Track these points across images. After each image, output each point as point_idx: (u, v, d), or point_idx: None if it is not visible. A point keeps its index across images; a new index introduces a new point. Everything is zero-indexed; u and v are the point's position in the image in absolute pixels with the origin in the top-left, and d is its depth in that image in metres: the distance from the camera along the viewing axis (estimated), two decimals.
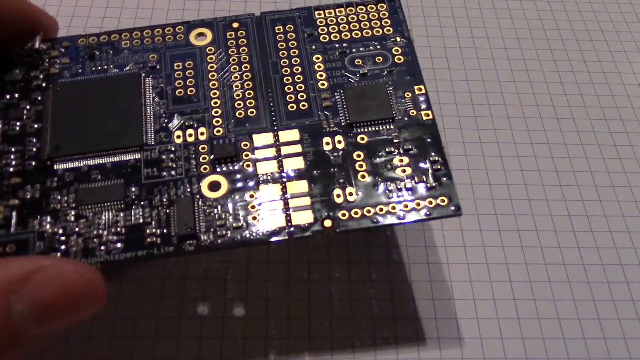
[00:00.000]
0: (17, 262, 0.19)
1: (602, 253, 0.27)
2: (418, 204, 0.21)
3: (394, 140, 0.22)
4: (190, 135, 0.23)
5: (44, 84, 0.24)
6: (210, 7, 0.33)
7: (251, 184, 0.22)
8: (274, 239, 0.21)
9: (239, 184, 0.22)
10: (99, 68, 0.24)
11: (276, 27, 0.25)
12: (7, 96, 0.23)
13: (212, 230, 0.21)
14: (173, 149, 0.22)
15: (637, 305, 0.26)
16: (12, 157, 0.22)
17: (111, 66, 0.24)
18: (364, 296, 0.25)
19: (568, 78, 0.33)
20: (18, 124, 0.23)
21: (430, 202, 0.21)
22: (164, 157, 0.22)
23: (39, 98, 0.23)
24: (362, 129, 0.23)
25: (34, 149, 0.22)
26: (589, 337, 0.25)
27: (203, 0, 0.33)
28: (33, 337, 0.18)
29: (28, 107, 0.23)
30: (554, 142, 0.30)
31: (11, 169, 0.22)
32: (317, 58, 0.24)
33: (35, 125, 0.23)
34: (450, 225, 0.27)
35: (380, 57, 0.24)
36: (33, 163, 0.22)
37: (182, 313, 0.24)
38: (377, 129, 0.23)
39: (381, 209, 0.21)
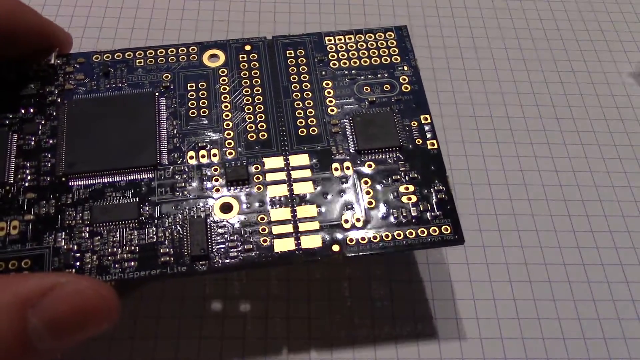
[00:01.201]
0: (35, 278, 0.19)
1: (602, 253, 0.27)
2: (422, 232, 0.22)
3: (400, 169, 0.23)
4: (203, 156, 0.23)
5: (58, 99, 0.24)
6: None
7: (262, 206, 0.22)
8: (283, 262, 0.21)
9: (250, 206, 0.22)
10: (114, 85, 0.25)
11: (287, 51, 0.26)
12: (23, 111, 0.24)
13: (223, 251, 0.21)
14: (186, 169, 0.23)
15: (637, 305, 0.26)
16: (28, 172, 0.23)
17: (125, 84, 0.25)
18: (364, 296, 0.26)
19: (568, 78, 0.33)
20: (33, 139, 0.23)
21: (435, 231, 0.22)
22: (177, 177, 0.23)
23: (54, 113, 0.24)
24: (370, 156, 0.24)
25: (49, 165, 0.23)
26: (589, 337, 0.25)
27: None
28: (47, 351, 0.19)
29: (43, 122, 0.24)
30: (554, 142, 0.31)
31: (26, 184, 0.22)
32: (327, 84, 0.25)
33: (50, 141, 0.23)
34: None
35: (388, 86, 0.25)
36: (48, 179, 0.23)
37: (181, 314, 0.24)
38: (384, 156, 0.24)
39: (387, 236, 0.22)
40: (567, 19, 0.35)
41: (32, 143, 0.23)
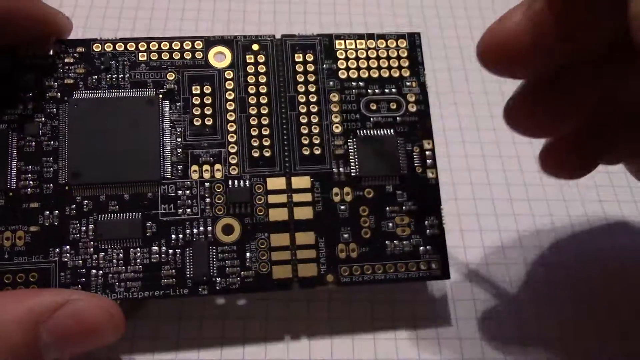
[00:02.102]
0: (49, 294, 0.21)
1: (602, 254, 0.28)
2: (412, 266, 0.24)
3: (398, 199, 0.24)
4: (207, 171, 0.23)
5: (58, 95, 0.23)
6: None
7: (262, 230, 0.23)
8: (281, 288, 0.23)
9: (251, 230, 0.23)
10: (115, 83, 0.24)
11: (296, 55, 0.25)
12: (21, 107, 0.23)
13: (224, 275, 0.23)
14: (190, 184, 0.23)
15: (637, 305, 0.26)
16: (30, 177, 0.23)
17: (127, 82, 0.24)
18: (363, 297, 0.26)
19: None
20: (34, 141, 0.23)
21: (424, 265, 0.24)
22: (180, 192, 0.23)
23: (54, 111, 0.23)
24: (370, 182, 0.24)
25: (51, 170, 0.23)
26: (588, 337, 0.25)
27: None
28: None
29: (43, 120, 0.23)
30: None
31: (29, 191, 0.22)
32: (334, 97, 0.25)
33: (52, 143, 0.23)
34: (450, 226, 0.27)
35: (394, 103, 0.25)
36: (51, 186, 0.23)
37: (181, 314, 0.26)
38: (383, 183, 0.24)
39: (379, 268, 0.23)
40: None
41: (33, 145, 0.23)
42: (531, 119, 0.21)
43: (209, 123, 0.24)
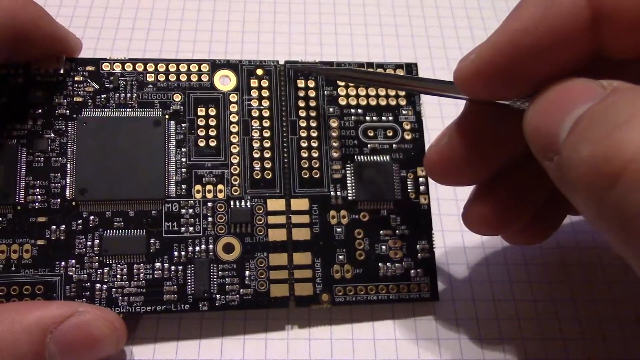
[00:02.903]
0: (55, 307, 0.22)
1: (601, 254, 0.28)
2: (404, 288, 0.25)
3: (392, 223, 0.25)
4: (210, 191, 0.24)
5: (67, 112, 0.24)
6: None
7: (262, 250, 0.24)
8: (278, 305, 0.24)
9: (251, 249, 0.24)
10: (123, 102, 0.25)
11: (298, 81, 0.26)
12: (31, 122, 0.24)
13: (224, 292, 0.23)
14: (193, 203, 0.24)
15: (637, 305, 0.26)
16: (38, 191, 0.23)
17: (135, 101, 0.25)
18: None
19: None
20: (43, 157, 0.24)
21: (414, 288, 0.25)
22: (183, 211, 0.24)
23: (63, 128, 0.24)
24: (366, 206, 0.25)
25: (59, 186, 0.23)
26: (588, 337, 0.26)
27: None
28: None
29: (52, 136, 0.24)
30: None
31: (37, 205, 0.23)
32: (334, 122, 0.26)
33: (60, 159, 0.24)
34: (451, 227, 0.28)
35: (391, 131, 0.26)
36: (58, 201, 0.23)
37: (182, 314, 0.26)
38: (378, 207, 0.25)
39: (372, 289, 0.25)
40: None
41: (42, 160, 0.24)
42: (485, 220, 0.22)
43: (212, 144, 0.25)
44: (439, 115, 0.31)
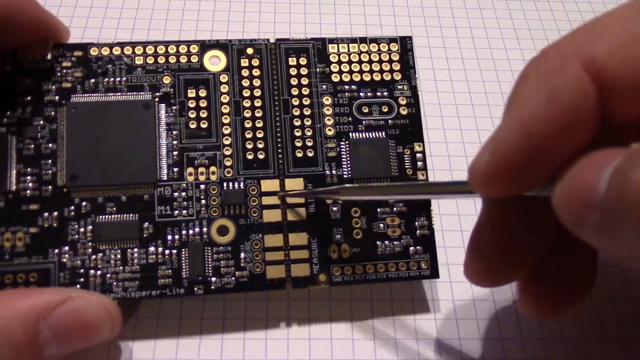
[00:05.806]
0: (49, 293, 0.21)
1: (601, 255, 0.28)
2: (403, 266, 0.24)
3: (389, 200, 0.25)
4: (202, 173, 0.24)
5: (56, 98, 0.24)
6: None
7: (257, 231, 0.24)
8: (275, 287, 0.23)
9: (246, 231, 0.24)
10: (112, 87, 0.24)
11: (290, 59, 0.26)
12: (20, 110, 0.24)
13: (219, 275, 0.23)
14: (185, 186, 0.24)
15: (637, 305, 0.26)
16: (29, 179, 0.23)
17: (124, 85, 0.24)
18: (363, 297, 0.26)
19: None
20: (33, 144, 0.23)
21: (414, 265, 0.24)
22: (176, 194, 0.24)
23: (52, 114, 0.24)
24: (362, 183, 0.25)
25: (50, 172, 0.23)
26: (588, 337, 0.25)
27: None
28: (51, 356, 0.21)
29: (42, 123, 0.24)
30: None
31: (28, 193, 0.23)
32: (327, 100, 0.25)
33: (50, 145, 0.23)
34: (450, 227, 0.28)
35: (386, 107, 0.26)
36: (50, 188, 0.23)
37: (182, 314, 0.26)
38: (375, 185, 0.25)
39: (370, 268, 0.24)
40: (567, 19, 0.35)
41: (32, 147, 0.23)
42: (485, 273, 0.22)
43: (204, 126, 0.24)
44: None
